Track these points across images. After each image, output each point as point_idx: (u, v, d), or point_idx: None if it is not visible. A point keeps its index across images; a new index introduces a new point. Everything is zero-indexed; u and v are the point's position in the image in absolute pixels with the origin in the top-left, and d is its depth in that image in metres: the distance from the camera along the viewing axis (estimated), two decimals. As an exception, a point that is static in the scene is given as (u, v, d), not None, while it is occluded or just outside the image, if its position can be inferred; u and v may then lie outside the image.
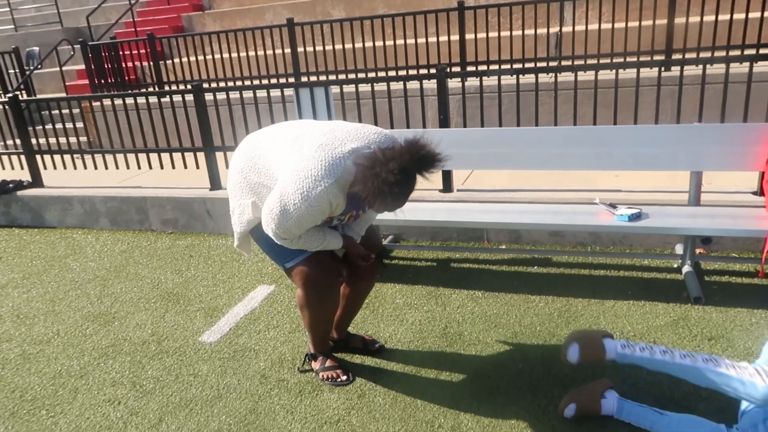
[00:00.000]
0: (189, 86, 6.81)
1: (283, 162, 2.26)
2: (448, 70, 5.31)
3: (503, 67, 6.49)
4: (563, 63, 6.47)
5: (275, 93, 6.37)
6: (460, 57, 6.64)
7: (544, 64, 6.46)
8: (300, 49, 7.45)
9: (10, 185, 5.48)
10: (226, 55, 8.24)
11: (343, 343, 2.93)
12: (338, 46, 7.39)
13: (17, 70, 9.15)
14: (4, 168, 5.90)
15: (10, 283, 4.17)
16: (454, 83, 6.06)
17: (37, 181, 5.53)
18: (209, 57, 8.23)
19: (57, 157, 6.38)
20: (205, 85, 7.60)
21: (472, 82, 5.83)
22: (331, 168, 2.14)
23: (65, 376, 2.96)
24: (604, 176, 4.27)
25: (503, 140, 3.58)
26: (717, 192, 3.74)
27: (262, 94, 6.38)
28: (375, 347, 2.90)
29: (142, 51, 8.45)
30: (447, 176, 4.18)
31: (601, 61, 6.23)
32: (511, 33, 6.34)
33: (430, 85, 5.88)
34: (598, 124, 4.12)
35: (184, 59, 8.28)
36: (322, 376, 2.70)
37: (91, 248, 4.72)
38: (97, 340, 3.28)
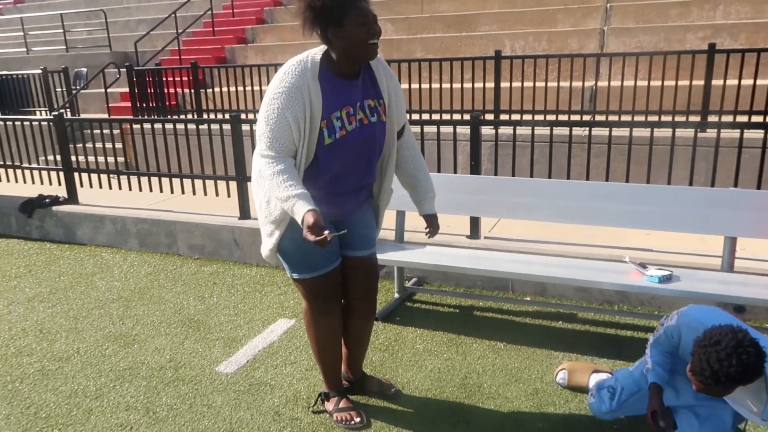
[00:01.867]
0: (227, 115, 6.96)
1: None
2: (482, 117, 5.35)
3: (537, 117, 6.52)
4: (597, 117, 6.47)
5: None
6: (494, 104, 6.70)
7: (577, 116, 6.47)
8: (337, 87, 7.60)
9: (47, 200, 5.63)
10: (265, 88, 8.45)
11: (359, 384, 2.89)
12: (374, 86, 7.52)
13: (64, 89, 9.51)
14: (42, 183, 6.07)
15: (37, 297, 4.24)
16: (487, 130, 6.10)
17: (72, 197, 5.67)
18: (248, 88, 8.45)
19: (94, 176, 6.54)
20: (243, 116, 7.78)
21: (506, 130, 5.86)
22: (295, 58, 2.22)
23: (81, 396, 2.97)
24: (635, 234, 4.21)
25: (534, 191, 3.56)
26: (751, 259, 3.65)
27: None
28: (391, 392, 2.86)
29: (185, 78, 8.72)
30: (475, 223, 4.17)
31: (636, 118, 6.22)
32: (546, 84, 6.38)
33: (463, 130, 5.92)
34: (631, 181, 4.09)
35: (224, 89, 8.51)
36: (336, 417, 2.66)
37: (118, 268, 4.79)
38: (116, 362, 3.29)
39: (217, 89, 8.64)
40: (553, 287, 3.89)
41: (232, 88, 8.42)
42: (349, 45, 2.15)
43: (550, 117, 6.45)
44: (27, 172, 6.04)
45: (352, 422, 2.62)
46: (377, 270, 2.66)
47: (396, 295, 3.96)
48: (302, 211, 2.11)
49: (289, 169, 2.19)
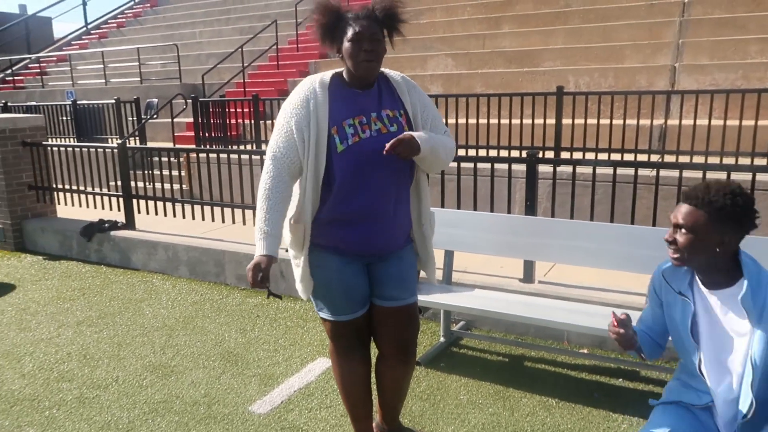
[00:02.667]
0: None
1: None
2: (541, 154, 5.13)
3: (600, 155, 6.22)
4: (667, 157, 6.11)
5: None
6: (554, 141, 6.46)
7: (644, 156, 6.13)
8: (394, 120, 7.55)
9: (106, 225, 5.78)
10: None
11: None
12: (431, 121, 7.43)
13: (135, 118, 9.94)
14: (104, 208, 6.26)
15: (86, 321, 4.29)
16: (545, 167, 5.85)
17: (130, 223, 5.80)
18: (307, 120, 8.52)
19: (151, 202, 6.70)
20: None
21: (565, 168, 5.60)
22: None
23: (113, 428, 2.91)
24: (707, 285, 3.85)
25: (594, 235, 3.31)
26: None
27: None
28: None
29: (246, 110, 8.92)
30: (529, 266, 3.93)
31: (710, 159, 5.83)
32: (611, 121, 6.10)
33: (520, 167, 5.71)
34: (703, 227, 3.77)
35: (284, 121, 8.62)
36: None
37: (167, 295, 4.80)
38: (152, 394, 3.23)
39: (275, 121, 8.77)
40: (614, 341, 3.58)
41: (292, 120, 8.52)
42: (348, 61, 2.19)
43: (615, 156, 6.14)
44: (90, 197, 6.25)
45: None
46: (417, 320, 2.46)
47: (441, 339, 3.75)
48: (260, 251, 2.12)
49: (278, 198, 2.16)
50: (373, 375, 3.02)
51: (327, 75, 2.25)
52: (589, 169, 5.47)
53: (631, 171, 5.28)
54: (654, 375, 3.31)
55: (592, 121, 6.38)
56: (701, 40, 8.29)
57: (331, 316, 2.33)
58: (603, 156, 6.21)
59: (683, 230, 1.77)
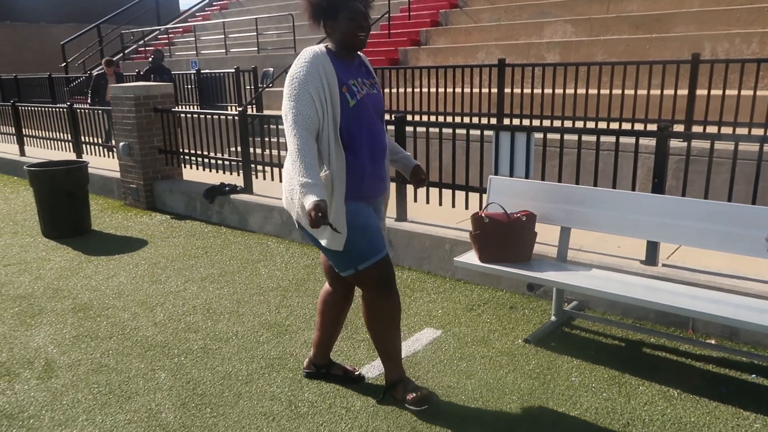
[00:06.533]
0: (393, 116, 7.03)
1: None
2: (671, 128, 4.75)
3: (739, 130, 5.66)
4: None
5: (474, 132, 6.28)
6: (686, 114, 5.95)
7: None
8: (507, 90, 7.30)
9: (226, 188, 6.12)
10: (434, 90, 8.42)
11: (326, 369, 3.08)
12: (548, 91, 7.09)
13: (252, 87, 10.37)
14: (224, 172, 6.62)
15: (209, 278, 4.59)
16: (675, 143, 5.42)
17: (248, 187, 6.10)
18: (417, 90, 8.48)
19: (268, 168, 6.99)
20: (409, 117, 7.84)
21: (698, 143, 5.15)
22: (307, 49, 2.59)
23: (233, 378, 3.11)
24: None
25: (731, 218, 3.02)
26: None
27: (461, 131, 6.35)
28: (356, 375, 3.04)
29: (358, 79, 9.00)
30: (652, 247, 3.68)
31: None
32: (755, 92, 5.51)
33: (646, 141, 5.33)
34: None
35: (394, 90, 8.64)
36: (411, 398, 2.75)
37: (281, 257, 5.02)
38: (268, 350, 3.41)
39: (386, 90, 8.80)
40: (748, 333, 3.29)
41: (401, 89, 8.52)
42: (343, 35, 2.56)
43: (757, 130, 5.56)
44: (212, 161, 6.63)
45: (433, 397, 2.80)
46: None
47: (552, 318, 3.63)
48: (316, 197, 2.34)
49: (312, 155, 2.42)
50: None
51: (323, 46, 2.59)
52: (726, 145, 5.00)
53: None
54: (794, 374, 3.01)
55: (731, 91, 5.80)
56: None
57: (377, 255, 2.61)
58: (742, 131, 5.64)
59: None
